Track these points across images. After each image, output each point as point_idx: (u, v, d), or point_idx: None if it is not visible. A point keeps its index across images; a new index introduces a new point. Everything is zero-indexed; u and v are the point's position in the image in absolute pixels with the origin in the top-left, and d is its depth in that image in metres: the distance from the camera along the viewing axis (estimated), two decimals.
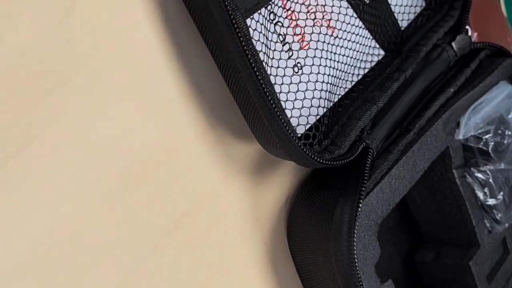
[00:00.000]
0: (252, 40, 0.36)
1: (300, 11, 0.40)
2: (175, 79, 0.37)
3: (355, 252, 0.39)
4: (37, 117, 0.32)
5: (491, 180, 0.49)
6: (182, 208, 0.39)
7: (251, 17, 0.37)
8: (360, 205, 0.40)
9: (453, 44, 0.49)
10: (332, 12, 0.42)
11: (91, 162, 0.34)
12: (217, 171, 0.40)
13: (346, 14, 0.43)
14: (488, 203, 0.49)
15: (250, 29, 0.36)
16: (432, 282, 0.53)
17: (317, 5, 0.41)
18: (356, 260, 0.40)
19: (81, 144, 0.33)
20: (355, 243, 0.39)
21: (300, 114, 0.40)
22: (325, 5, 0.42)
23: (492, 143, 0.48)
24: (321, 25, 0.42)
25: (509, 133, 0.49)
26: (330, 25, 0.42)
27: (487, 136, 0.48)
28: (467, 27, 0.51)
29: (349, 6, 0.44)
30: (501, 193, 0.50)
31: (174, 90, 0.37)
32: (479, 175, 0.49)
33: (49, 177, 0.32)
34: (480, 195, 0.49)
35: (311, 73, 0.41)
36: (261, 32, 0.37)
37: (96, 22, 0.34)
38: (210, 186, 0.40)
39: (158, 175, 0.37)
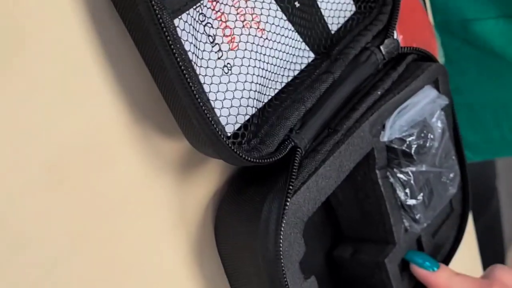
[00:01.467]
0: (181, 40, 0.37)
1: (230, 13, 0.41)
2: (103, 73, 0.37)
3: (281, 249, 0.40)
4: None
5: (412, 181, 0.50)
6: (105, 201, 0.39)
7: (179, 17, 0.37)
8: (288, 204, 0.41)
9: (381, 47, 0.51)
10: (261, 14, 0.43)
11: (14, 151, 0.34)
12: (143, 166, 0.40)
13: (276, 17, 0.44)
14: (408, 203, 0.51)
15: (178, 29, 0.37)
16: (350, 277, 0.55)
17: (247, 7, 0.42)
18: (282, 257, 0.41)
19: (6, 131, 0.33)
20: (281, 241, 0.40)
21: (229, 113, 0.41)
22: (255, 7, 0.43)
23: (415, 146, 0.50)
24: (251, 27, 0.43)
25: (431, 136, 0.51)
26: (260, 27, 0.43)
27: (410, 139, 0.49)
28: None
29: (279, 9, 0.45)
30: (421, 194, 0.52)
31: (101, 85, 0.37)
32: (401, 176, 0.50)
33: None
34: (401, 195, 0.51)
35: (240, 73, 0.42)
36: (189, 33, 0.38)
37: (24, 12, 0.33)
38: (135, 180, 0.40)
39: (81, 168, 0.37)
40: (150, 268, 0.42)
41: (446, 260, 0.59)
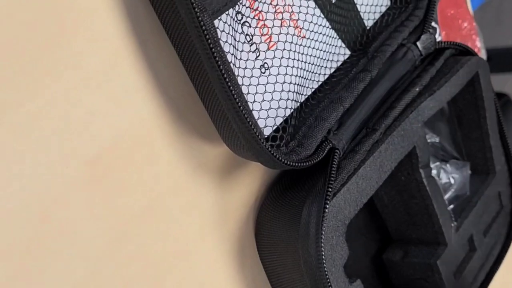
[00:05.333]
0: (220, 41, 0.35)
1: (267, 11, 0.40)
2: (141, 73, 0.37)
3: (323, 253, 0.39)
4: (5, 99, 0.31)
5: None
6: (147, 199, 0.38)
7: (219, 18, 0.36)
8: (327, 206, 0.40)
9: (418, 43, 0.49)
10: (299, 12, 0.42)
11: (59, 147, 0.33)
12: (183, 167, 0.40)
13: (314, 14, 0.43)
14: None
15: (218, 31, 0.36)
16: (401, 280, 0.53)
17: (285, 5, 0.41)
18: (324, 261, 0.40)
19: (49, 129, 0.33)
20: (322, 245, 0.39)
21: (268, 115, 0.40)
22: (293, 5, 0.42)
23: None
24: (289, 25, 0.41)
25: None
26: (297, 25, 0.42)
27: None
28: (435, 25, 0.52)
29: (316, 6, 0.43)
30: None
31: (139, 84, 0.37)
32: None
33: (15, 160, 0.32)
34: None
35: (278, 73, 0.40)
36: (228, 33, 0.37)
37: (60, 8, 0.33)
38: (175, 181, 0.39)
39: (124, 165, 0.37)
40: (190, 268, 0.41)
41: (499, 258, 0.58)
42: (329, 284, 0.40)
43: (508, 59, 1.42)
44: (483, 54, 0.71)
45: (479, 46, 0.68)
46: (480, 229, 0.55)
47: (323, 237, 0.40)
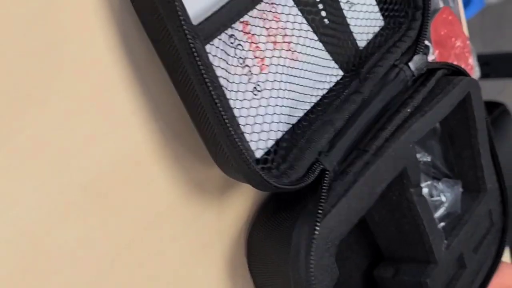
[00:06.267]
0: (212, 66, 0.36)
1: (260, 34, 0.40)
2: (134, 97, 0.37)
3: (312, 276, 0.40)
4: None
5: None
6: (141, 223, 0.38)
7: (211, 43, 0.36)
8: (318, 228, 0.40)
9: (410, 64, 0.50)
10: (292, 35, 0.42)
11: (53, 174, 0.34)
12: (175, 190, 0.40)
13: (307, 37, 0.43)
14: None
15: (210, 55, 0.36)
16: None
17: (278, 28, 0.41)
18: (314, 283, 0.40)
19: (43, 156, 0.33)
20: (312, 267, 0.40)
21: (259, 138, 0.40)
22: (286, 28, 0.42)
23: None
24: (281, 48, 0.42)
25: None
26: (290, 47, 0.42)
27: None
28: (428, 43, 0.52)
29: (309, 28, 0.44)
30: None
31: (132, 108, 0.37)
32: None
33: (9, 189, 0.32)
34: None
35: (270, 96, 0.41)
36: (221, 58, 0.37)
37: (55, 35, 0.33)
38: (170, 203, 0.40)
39: (117, 189, 0.37)
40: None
41: (489, 275, 0.58)
42: None
43: (507, 65, 1.42)
44: (476, 71, 0.72)
45: (472, 64, 0.69)
46: (470, 246, 0.56)
47: (313, 258, 0.40)
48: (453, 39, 0.64)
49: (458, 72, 0.53)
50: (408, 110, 0.48)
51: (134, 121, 0.37)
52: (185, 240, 0.41)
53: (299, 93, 0.43)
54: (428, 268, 0.51)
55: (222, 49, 0.37)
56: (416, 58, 0.50)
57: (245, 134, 0.39)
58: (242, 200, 0.44)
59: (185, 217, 0.41)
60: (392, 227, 0.51)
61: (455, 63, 0.53)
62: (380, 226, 0.52)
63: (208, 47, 0.36)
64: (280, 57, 0.41)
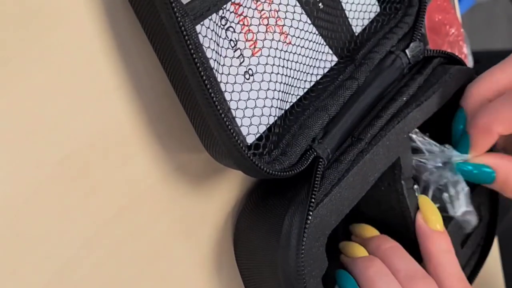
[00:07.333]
0: (203, 47, 0.34)
1: (252, 16, 0.39)
2: (120, 74, 0.36)
3: (303, 265, 0.39)
4: None
5: None
6: (120, 202, 0.37)
7: (202, 23, 0.35)
8: (310, 217, 0.39)
9: (407, 51, 0.48)
10: (285, 17, 0.41)
11: (29, 147, 0.32)
12: (159, 170, 0.39)
13: (300, 20, 0.42)
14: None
15: (200, 36, 0.35)
16: None
17: (271, 10, 0.40)
18: (303, 273, 0.39)
19: (18, 128, 0.32)
20: (302, 256, 0.39)
21: (251, 123, 0.39)
22: (279, 10, 0.41)
23: None
24: (274, 31, 0.40)
25: None
26: (283, 31, 0.41)
27: None
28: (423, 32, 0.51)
29: (303, 12, 0.42)
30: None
31: (117, 84, 0.36)
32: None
33: None
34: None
35: (262, 80, 0.39)
36: (211, 39, 0.36)
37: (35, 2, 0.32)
38: (150, 184, 0.39)
39: (97, 166, 0.36)
40: (165, 272, 0.40)
41: (476, 269, 0.57)
42: None
43: (497, 62, 1.42)
44: (470, 61, 0.70)
45: (466, 53, 0.68)
46: (458, 240, 0.55)
47: (303, 248, 0.39)
48: (448, 26, 0.63)
49: (454, 60, 0.52)
50: (404, 98, 0.47)
51: (117, 96, 0.36)
52: (166, 221, 0.40)
53: (292, 78, 0.42)
54: None
55: (212, 30, 0.36)
56: (413, 45, 0.49)
57: (236, 119, 0.38)
58: (230, 185, 0.43)
59: (167, 199, 0.40)
60: (378, 218, 0.50)
61: (449, 50, 0.52)
62: (365, 217, 0.51)
63: (198, 28, 0.35)
64: (273, 40, 0.40)
